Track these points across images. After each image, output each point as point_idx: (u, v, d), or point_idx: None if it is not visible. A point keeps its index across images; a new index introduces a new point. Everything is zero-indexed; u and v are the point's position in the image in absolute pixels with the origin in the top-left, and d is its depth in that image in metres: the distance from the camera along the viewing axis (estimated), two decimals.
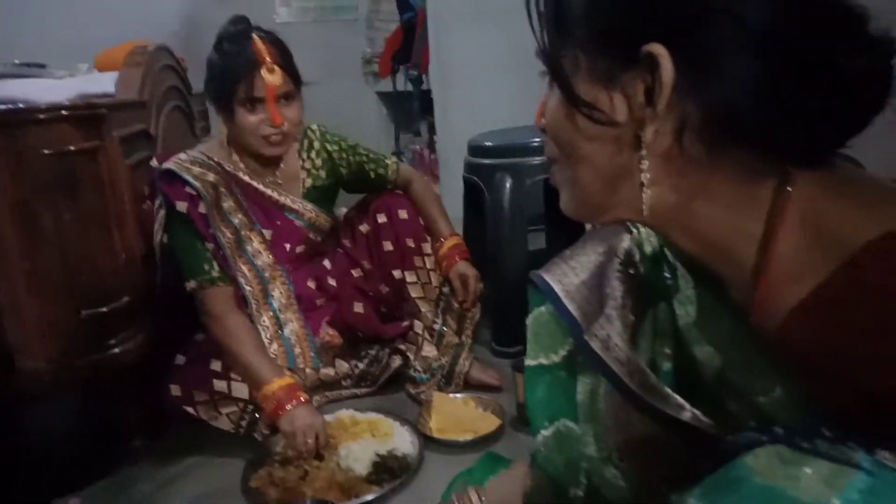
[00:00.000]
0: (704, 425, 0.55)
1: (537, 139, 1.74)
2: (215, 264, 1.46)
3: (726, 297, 0.58)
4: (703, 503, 0.42)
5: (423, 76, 2.60)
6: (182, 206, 1.44)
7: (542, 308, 0.74)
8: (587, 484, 0.65)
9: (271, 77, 1.41)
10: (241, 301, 1.52)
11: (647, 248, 0.68)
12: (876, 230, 0.48)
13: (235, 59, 1.42)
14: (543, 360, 0.72)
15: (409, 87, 2.76)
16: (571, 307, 0.68)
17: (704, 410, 0.56)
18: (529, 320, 0.76)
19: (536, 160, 1.71)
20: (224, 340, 1.43)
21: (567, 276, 0.72)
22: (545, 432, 0.69)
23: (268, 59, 1.40)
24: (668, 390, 0.56)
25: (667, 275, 0.64)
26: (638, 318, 0.64)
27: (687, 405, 0.55)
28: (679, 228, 0.57)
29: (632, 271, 0.67)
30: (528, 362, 0.73)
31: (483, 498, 0.84)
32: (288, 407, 1.35)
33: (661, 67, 0.49)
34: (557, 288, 0.71)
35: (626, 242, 0.69)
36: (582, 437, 0.65)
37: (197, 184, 1.44)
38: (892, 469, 0.39)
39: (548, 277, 0.73)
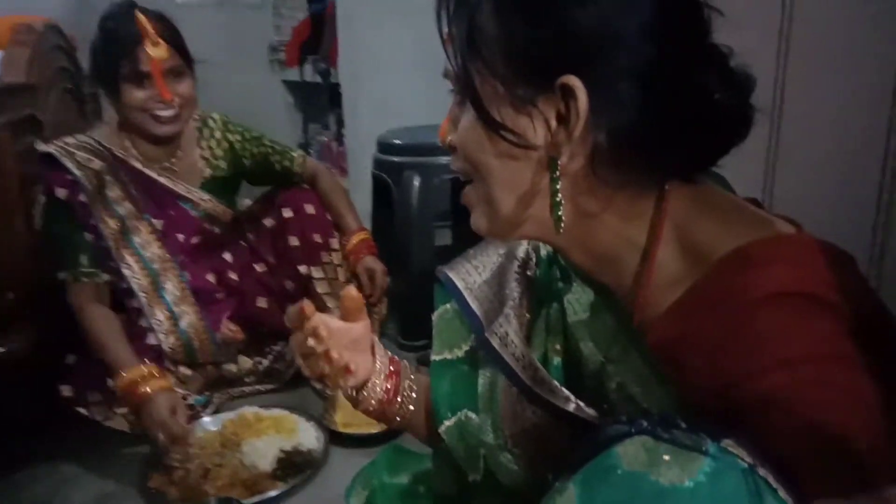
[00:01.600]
0: (586, 416, 0.60)
1: None
2: (88, 258, 1.40)
3: (611, 300, 0.64)
4: (582, 488, 0.47)
5: (332, 69, 2.58)
6: (62, 192, 1.37)
7: (447, 305, 0.78)
8: (484, 468, 0.70)
9: (156, 50, 1.36)
10: (128, 294, 1.46)
11: (542, 252, 0.74)
12: (730, 244, 0.55)
13: (118, 34, 1.37)
14: (448, 355, 0.77)
15: (318, 79, 2.73)
16: (474, 305, 0.73)
17: (588, 400, 0.62)
18: (435, 317, 0.80)
19: (444, 160, 1.75)
20: (87, 332, 1.38)
21: (470, 275, 0.76)
22: (448, 423, 0.73)
23: (151, 31, 1.35)
24: (557, 384, 0.62)
25: (559, 279, 0.69)
26: (533, 316, 0.69)
27: (572, 397, 0.61)
28: (576, 244, 0.61)
29: (528, 273, 0.73)
30: (434, 357, 0.78)
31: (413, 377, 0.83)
32: (139, 400, 1.30)
33: (577, 99, 0.53)
34: (461, 286, 0.75)
35: (524, 245, 0.74)
36: (481, 426, 0.70)
37: (78, 172, 1.37)
38: (733, 454, 0.45)
39: (452, 275, 0.77)
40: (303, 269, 1.62)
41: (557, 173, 0.56)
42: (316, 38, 2.70)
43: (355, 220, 1.67)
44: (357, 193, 2.17)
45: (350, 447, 1.37)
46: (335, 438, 1.39)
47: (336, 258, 1.63)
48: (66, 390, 1.35)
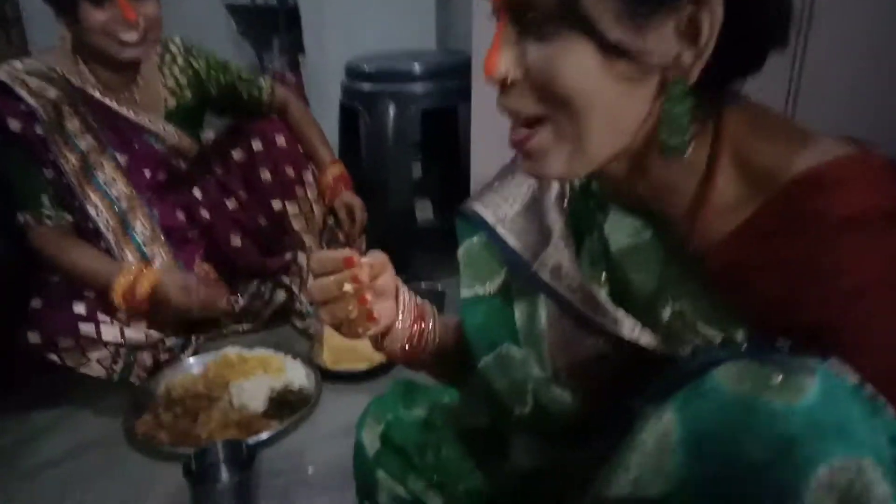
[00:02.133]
0: (650, 343, 0.59)
1: (419, 66, 1.70)
2: (49, 197, 1.30)
3: (659, 227, 0.62)
4: (682, 415, 0.46)
5: None
6: (15, 125, 1.25)
7: (474, 239, 0.74)
8: (533, 403, 0.68)
9: None
10: (94, 234, 1.36)
11: (576, 181, 0.70)
12: (799, 166, 0.53)
13: None
14: (479, 290, 0.73)
15: (273, 2, 2.54)
16: (509, 239, 0.69)
17: (645, 325, 0.61)
18: (461, 252, 0.76)
19: (420, 88, 1.68)
20: (56, 265, 1.30)
21: (500, 208, 0.73)
22: (487, 358, 0.71)
23: None
24: (622, 312, 0.60)
25: (594, 206, 0.66)
26: (575, 247, 0.67)
27: (639, 325, 0.59)
28: (638, 171, 0.58)
29: (565, 204, 0.69)
30: (464, 293, 0.74)
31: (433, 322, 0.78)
32: (150, 288, 1.29)
33: (712, 10, 0.48)
34: (491, 220, 0.72)
35: None
36: (525, 359, 0.68)
37: (33, 101, 1.25)
38: (841, 373, 0.45)
39: (480, 209, 0.73)
40: (276, 204, 1.55)
41: (677, 93, 0.52)
42: None
43: (329, 152, 1.60)
44: (321, 123, 2.07)
45: (342, 383, 1.35)
46: (325, 376, 1.36)
47: (311, 192, 1.56)
48: (33, 337, 1.25)
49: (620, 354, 0.61)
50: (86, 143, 1.33)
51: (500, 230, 0.71)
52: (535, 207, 0.71)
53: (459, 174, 1.68)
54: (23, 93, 1.23)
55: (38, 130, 1.26)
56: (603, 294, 0.61)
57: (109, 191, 1.37)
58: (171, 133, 1.45)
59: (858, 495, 0.41)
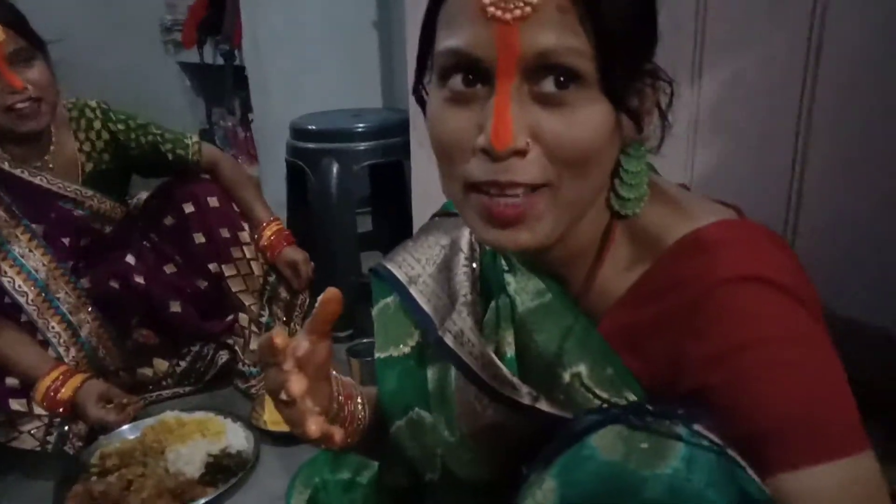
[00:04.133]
0: (548, 409, 0.60)
1: (361, 124, 1.75)
2: None
3: (560, 289, 0.64)
4: (561, 480, 0.48)
5: (236, 50, 2.46)
6: None
7: (388, 299, 0.76)
8: (442, 468, 0.69)
9: None
10: (14, 309, 1.32)
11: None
12: (682, 230, 0.57)
13: None
14: (393, 352, 0.74)
15: (220, 61, 2.59)
16: (421, 301, 0.71)
17: (542, 392, 0.62)
18: (375, 312, 0.77)
19: (362, 146, 1.72)
20: None
21: (413, 269, 0.74)
22: (400, 423, 0.72)
23: None
24: (518, 380, 0.62)
25: (505, 268, 0.69)
26: (482, 310, 0.68)
27: (533, 391, 0.61)
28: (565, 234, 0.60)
29: (475, 265, 0.71)
30: (378, 355, 0.75)
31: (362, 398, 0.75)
32: (68, 396, 1.27)
33: (659, 81, 0.55)
34: (404, 280, 0.73)
35: (466, 236, 0.73)
36: (435, 424, 0.69)
37: None
38: (705, 437, 0.47)
39: (394, 269, 0.74)
40: (213, 267, 1.53)
41: (637, 153, 0.57)
42: (216, 16, 2.55)
43: (265, 209, 1.58)
44: (270, 181, 2.10)
45: (281, 445, 1.33)
46: (265, 437, 1.35)
47: (248, 252, 1.54)
48: None
49: (523, 420, 0.62)
50: None
51: (413, 291, 0.72)
52: (445, 270, 0.72)
53: (408, 226, 1.70)
54: None
55: None
56: (499, 363, 0.63)
57: (26, 263, 1.34)
58: (90, 197, 1.43)
59: None
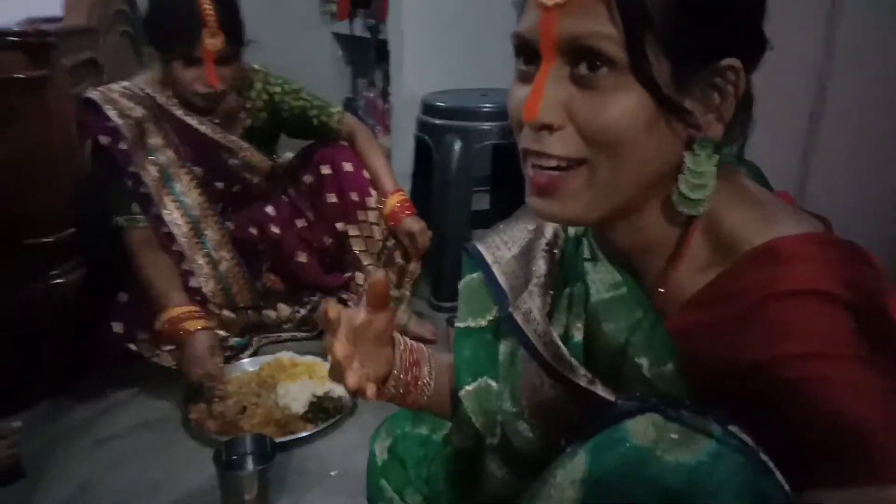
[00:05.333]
0: (601, 393, 0.63)
1: (489, 104, 1.79)
2: (135, 203, 1.46)
3: (636, 282, 0.66)
4: (591, 456, 0.51)
5: (381, 25, 2.58)
6: (105, 139, 1.42)
7: (474, 275, 0.80)
8: (501, 434, 0.74)
9: (213, 41, 1.36)
10: (169, 239, 1.51)
11: (571, 231, 0.75)
12: (759, 238, 0.56)
13: (179, 14, 1.36)
14: (471, 323, 0.79)
15: (367, 34, 2.73)
16: (501, 279, 0.75)
17: (604, 378, 0.65)
18: (461, 285, 0.82)
19: (486, 125, 1.77)
20: (136, 273, 1.46)
21: (500, 250, 0.79)
22: (468, 388, 0.77)
23: (212, 21, 1.35)
24: (575, 362, 0.65)
25: (586, 256, 0.71)
26: (557, 293, 0.72)
27: (589, 375, 0.64)
28: (629, 226, 0.61)
29: (556, 251, 0.74)
30: (458, 324, 0.80)
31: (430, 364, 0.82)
32: (179, 335, 1.40)
33: (740, 81, 0.55)
34: (489, 259, 0.78)
35: (553, 224, 0.76)
36: (500, 393, 0.74)
37: (119, 120, 1.41)
38: (737, 438, 0.48)
39: (482, 248, 0.79)
40: (340, 226, 1.66)
41: (705, 152, 0.56)
42: None
43: (392, 180, 1.68)
44: (399, 153, 2.20)
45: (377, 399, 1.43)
46: None
47: (372, 216, 1.66)
48: (117, 327, 1.43)
49: (577, 400, 0.66)
50: (165, 156, 1.49)
51: (495, 270, 0.77)
52: (527, 253, 0.76)
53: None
54: (111, 112, 1.41)
55: (122, 145, 1.43)
56: (560, 344, 0.66)
57: (185, 200, 1.52)
58: (245, 149, 1.59)
59: None
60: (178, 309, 1.41)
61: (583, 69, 0.53)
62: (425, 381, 0.79)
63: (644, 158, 0.56)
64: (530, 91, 0.55)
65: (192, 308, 1.44)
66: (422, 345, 0.81)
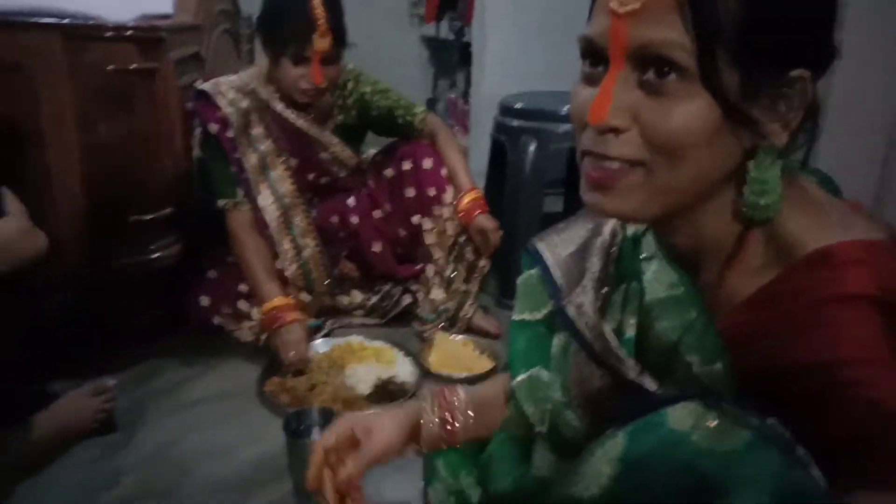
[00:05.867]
0: (647, 385, 0.65)
1: (565, 107, 1.81)
2: (239, 188, 1.58)
3: (692, 283, 0.68)
4: (630, 438, 0.54)
5: (466, 28, 2.64)
6: (214, 128, 1.55)
7: (532, 271, 0.84)
8: (550, 422, 0.77)
9: (322, 42, 1.47)
10: (263, 224, 1.63)
11: (630, 230, 0.77)
12: (818, 242, 0.57)
13: (293, 16, 1.47)
14: (527, 316, 0.82)
15: (451, 37, 2.80)
16: (556, 275, 0.78)
17: (654, 374, 0.67)
18: (520, 280, 0.86)
19: (562, 128, 1.79)
20: (237, 257, 1.58)
21: (557, 248, 0.82)
22: (521, 377, 0.80)
23: (322, 24, 1.46)
24: (624, 353, 0.67)
25: (644, 255, 0.73)
26: (611, 290, 0.74)
27: (638, 367, 0.66)
28: (689, 227, 0.63)
29: (612, 250, 0.77)
30: (515, 317, 0.84)
31: (465, 396, 0.89)
32: (274, 326, 1.50)
33: (807, 91, 0.56)
34: (546, 256, 0.81)
35: (611, 223, 0.78)
36: (551, 384, 0.77)
37: (229, 109, 1.54)
38: (776, 432, 0.50)
39: (541, 247, 0.83)
40: (416, 219, 1.73)
41: (769, 159, 0.57)
42: None
43: (468, 178, 1.73)
44: (475, 152, 2.25)
45: (439, 385, 1.48)
46: (427, 376, 1.52)
47: (447, 212, 1.72)
48: (204, 301, 1.55)
49: (624, 391, 0.68)
50: (265, 146, 1.61)
51: (551, 266, 0.80)
52: (584, 250, 0.79)
53: None
54: (221, 102, 1.54)
55: (230, 134, 1.56)
56: (613, 336, 0.68)
57: (279, 188, 1.64)
58: (335, 144, 1.69)
59: None
60: (279, 300, 1.53)
61: (651, 75, 0.54)
62: (467, 424, 0.85)
63: (704, 164, 0.56)
64: (595, 93, 0.56)
65: (290, 300, 1.55)
66: (456, 393, 0.87)
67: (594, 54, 0.58)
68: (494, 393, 0.88)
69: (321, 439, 0.81)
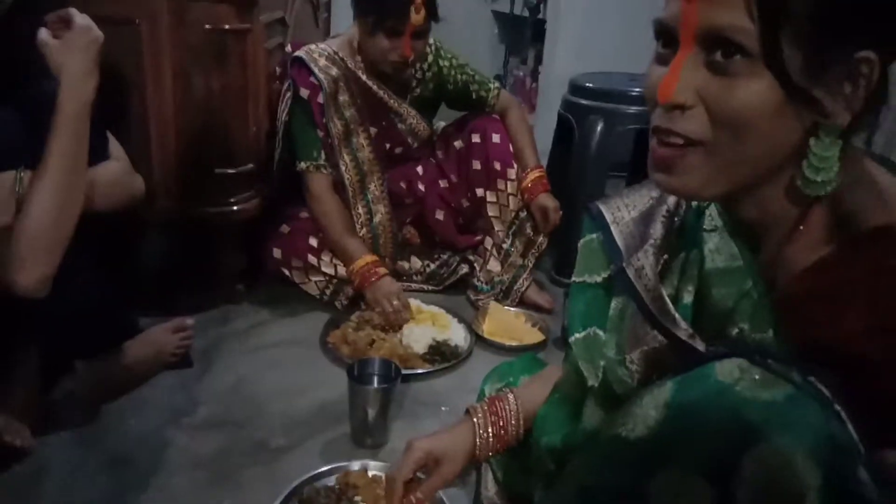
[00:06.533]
0: (700, 346, 0.69)
1: (636, 88, 1.82)
2: (323, 151, 1.66)
3: (752, 254, 0.71)
4: (678, 386, 0.58)
5: (542, 4, 2.65)
6: (305, 92, 1.63)
7: (594, 235, 0.87)
8: (602, 378, 0.81)
9: (416, 16, 1.54)
10: (341, 187, 1.71)
11: (694, 202, 0.80)
12: (880, 220, 0.58)
13: None
14: (587, 279, 0.87)
15: (526, 13, 2.81)
16: (618, 238, 0.81)
17: (709, 339, 0.70)
18: (581, 244, 0.89)
19: (632, 109, 1.80)
20: (320, 219, 1.66)
21: (620, 211, 0.85)
22: (578, 335, 0.85)
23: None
24: (679, 316, 0.70)
25: (705, 227, 0.76)
26: (672, 257, 0.78)
27: (690, 329, 0.70)
28: (755, 200, 0.65)
29: (676, 219, 0.80)
30: (575, 278, 0.88)
31: (518, 399, 0.96)
32: (372, 279, 1.59)
33: (874, 74, 0.56)
34: (609, 219, 0.84)
35: None
36: (607, 342, 0.81)
37: (321, 75, 1.62)
38: (816, 387, 0.53)
39: (604, 209, 0.86)
40: (479, 191, 1.78)
41: (820, 138, 0.58)
42: None
43: (534, 156, 1.78)
44: (541, 130, 2.28)
45: (490, 352, 1.55)
46: (479, 342, 1.58)
47: (510, 187, 1.76)
48: (277, 253, 1.65)
49: (677, 352, 0.72)
50: (350, 113, 1.69)
51: (614, 230, 0.83)
52: (648, 216, 0.82)
53: None
54: (315, 69, 1.62)
55: (320, 99, 1.63)
56: (667, 299, 0.72)
57: (358, 154, 1.72)
58: (412, 115, 1.76)
59: (784, 478, 0.51)
60: (370, 256, 1.63)
61: (718, 56, 0.57)
62: (517, 431, 0.93)
63: (766, 142, 0.59)
64: (666, 72, 0.59)
65: (377, 258, 1.65)
66: (505, 408, 0.94)
67: (666, 36, 0.61)
68: (543, 395, 0.94)
69: (397, 471, 0.90)
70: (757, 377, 0.55)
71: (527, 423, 0.93)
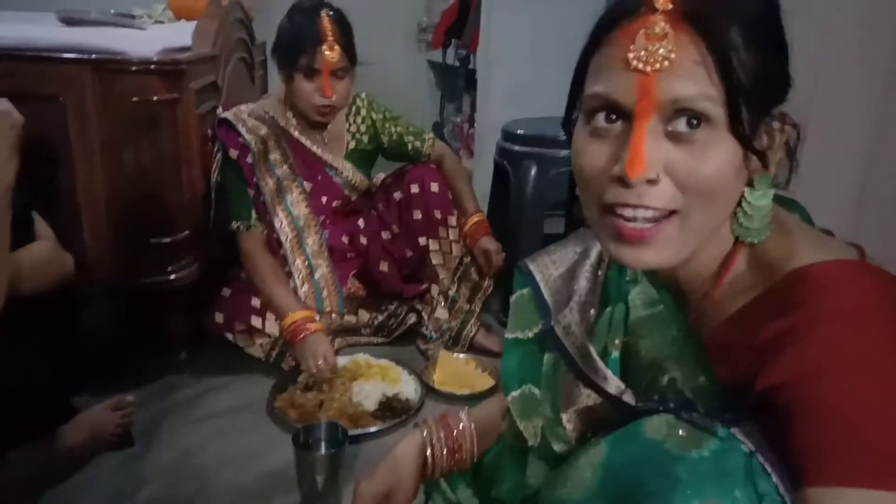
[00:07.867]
0: (631, 400, 0.71)
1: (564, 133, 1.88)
2: (254, 211, 1.66)
3: (674, 301, 0.73)
4: (611, 446, 0.60)
5: (471, 56, 2.73)
6: (234, 153, 1.64)
7: (524, 291, 0.88)
8: (542, 437, 0.82)
9: (330, 53, 1.57)
10: (277, 244, 1.71)
11: None
12: (801, 261, 0.61)
13: (303, 31, 1.58)
14: (520, 335, 0.87)
15: (457, 63, 2.88)
16: (546, 295, 0.83)
17: (640, 391, 0.72)
18: (512, 299, 0.90)
19: (563, 153, 1.85)
20: (252, 276, 1.65)
21: (548, 269, 0.87)
22: (515, 394, 0.85)
23: (330, 37, 1.57)
24: (610, 373, 0.72)
25: (627, 279, 0.79)
26: (598, 311, 0.80)
27: (621, 385, 0.71)
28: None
29: (599, 273, 0.82)
30: (507, 335, 0.88)
31: (470, 416, 0.94)
32: (300, 335, 1.57)
33: (786, 122, 0.61)
34: (538, 277, 0.86)
35: (597, 247, 0.83)
36: (542, 400, 0.82)
37: (248, 136, 1.63)
38: (739, 440, 0.56)
39: (532, 267, 0.88)
40: (422, 240, 1.80)
41: (764, 187, 0.62)
42: (460, 23, 2.85)
43: (473, 202, 1.83)
44: (480, 176, 2.32)
45: (443, 402, 1.55)
46: (431, 393, 1.58)
47: (452, 234, 1.79)
48: (219, 318, 1.62)
49: (610, 407, 0.74)
50: (281, 171, 1.70)
51: (542, 286, 0.85)
52: (572, 272, 0.84)
53: None
54: (242, 130, 1.63)
55: (248, 159, 1.64)
56: (596, 356, 0.74)
57: (293, 210, 1.72)
58: (348, 169, 1.77)
59: None
60: (301, 313, 1.60)
61: (680, 126, 0.57)
62: (472, 448, 0.91)
63: (729, 200, 0.61)
64: (617, 149, 0.59)
65: (311, 312, 1.63)
66: (461, 428, 0.92)
67: (610, 110, 0.59)
68: (494, 416, 0.94)
69: None
70: (682, 433, 0.57)
71: (481, 445, 0.92)
